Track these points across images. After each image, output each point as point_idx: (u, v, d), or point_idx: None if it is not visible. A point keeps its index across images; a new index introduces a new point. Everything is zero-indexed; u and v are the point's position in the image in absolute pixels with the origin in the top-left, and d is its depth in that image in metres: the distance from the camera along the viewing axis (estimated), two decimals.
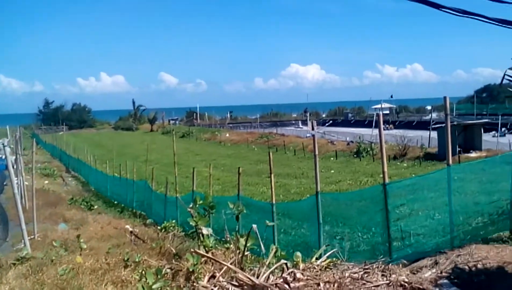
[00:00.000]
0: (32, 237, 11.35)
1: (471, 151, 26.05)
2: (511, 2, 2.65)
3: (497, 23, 2.69)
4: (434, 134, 29.86)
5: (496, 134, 33.70)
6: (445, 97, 7.23)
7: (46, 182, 27.56)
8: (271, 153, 9.97)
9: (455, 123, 27.59)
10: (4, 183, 24.74)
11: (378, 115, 8.46)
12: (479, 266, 5.45)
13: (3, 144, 10.12)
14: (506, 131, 35.06)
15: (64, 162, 41.49)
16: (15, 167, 15.39)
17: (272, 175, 9.68)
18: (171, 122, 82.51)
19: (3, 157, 13.97)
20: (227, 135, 54.48)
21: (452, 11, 2.73)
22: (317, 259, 4.69)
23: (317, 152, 8.58)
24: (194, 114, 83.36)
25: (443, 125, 7.84)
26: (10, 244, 11.68)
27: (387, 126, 48.40)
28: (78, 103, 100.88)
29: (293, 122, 72.23)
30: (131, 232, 10.37)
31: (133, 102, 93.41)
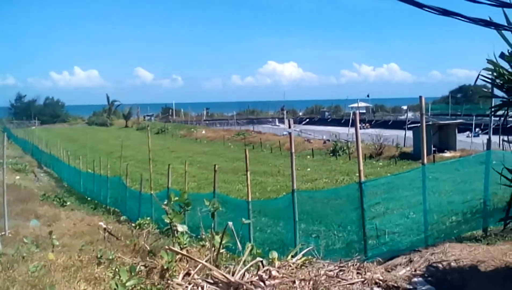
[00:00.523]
0: (3, 233, 11.11)
1: (446, 151, 26.67)
2: (488, 3, 2.66)
3: (475, 23, 2.71)
4: (409, 133, 30.47)
5: (470, 135, 34.67)
6: (420, 97, 7.35)
7: (18, 177, 26.79)
8: (247, 151, 9.93)
9: (430, 123, 28.20)
10: None
11: (354, 114, 8.52)
12: (453, 264, 5.56)
13: None
14: (480, 131, 36.09)
15: (36, 157, 40.53)
16: None
17: (248, 173, 9.63)
18: (147, 118, 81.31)
19: None
20: (203, 132, 54.10)
21: (433, 11, 2.73)
22: (292, 257, 4.67)
23: (293, 150, 8.59)
24: (170, 110, 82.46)
25: (419, 124, 7.98)
26: None
27: (364, 125, 49.17)
28: (51, 98, 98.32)
29: (270, 119, 72.46)
30: (104, 229, 10.13)
31: (107, 97, 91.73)
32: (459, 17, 2.71)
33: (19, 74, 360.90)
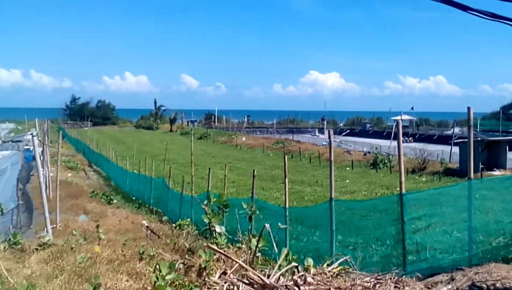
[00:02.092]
0: (54, 226, 11.79)
1: (495, 169, 25.28)
2: None
3: None
4: (455, 149, 29.19)
5: None
6: (468, 108, 7.04)
7: (70, 174, 28.37)
8: (286, 159, 9.98)
9: (478, 139, 26.87)
10: (31, 173, 25.57)
11: (397, 124, 8.35)
12: (498, 285, 5.31)
13: (32, 134, 10.46)
14: None
15: (87, 157, 42.56)
16: (41, 158, 15.91)
17: (287, 180, 9.67)
18: (190, 123, 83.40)
19: (31, 148, 14.40)
20: (244, 139, 54.67)
21: (481, 14, 2.62)
22: (328, 265, 4.67)
23: (333, 160, 8.55)
24: (212, 116, 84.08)
25: (466, 140, 7.67)
26: (34, 231, 12.12)
27: (407, 138, 47.59)
28: (103, 101, 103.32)
29: (310, 129, 71.90)
30: (147, 227, 10.54)
31: (155, 102, 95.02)
32: (509, 22, 2.59)
33: (75, 78, 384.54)
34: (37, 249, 7.76)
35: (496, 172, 24.11)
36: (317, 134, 64.11)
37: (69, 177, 26.36)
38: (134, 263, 6.59)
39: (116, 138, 63.34)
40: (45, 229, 10.22)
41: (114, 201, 20.56)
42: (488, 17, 2.64)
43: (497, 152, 26.74)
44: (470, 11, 2.66)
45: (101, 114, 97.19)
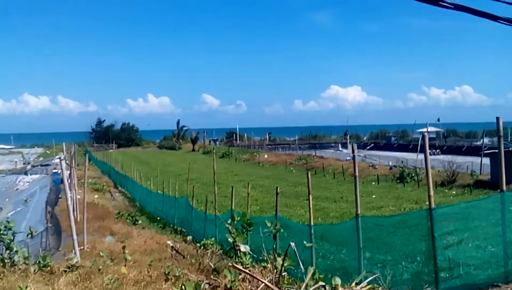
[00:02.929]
0: (82, 247, 11.98)
1: None
2: None
3: None
4: (486, 160, 28.28)
5: None
6: (497, 118, 6.87)
7: (96, 196, 28.96)
8: (309, 175, 9.86)
9: (510, 149, 25.93)
10: (59, 196, 26.28)
11: (423, 137, 8.18)
12: None
13: (59, 158, 10.76)
14: None
15: (112, 178, 43.47)
16: (69, 181, 16.32)
17: (311, 197, 9.54)
18: (212, 142, 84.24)
19: (59, 171, 14.84)
20: (266, 156, 54.65)
21: (509, 23, 2.57)
22: (357, 284, 4.53)
23: (357, 175, 8.39)
24: (234, 134, 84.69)
25: (497, 150, 7.42)
26: (62, 253, 12.35)
27: (434, 151, 46.48)
28: (127, 123, 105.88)
29: (333, 144, 71.32)
30: (172, 247, 10.55)
31: (178, 123, 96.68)
32: None
33: (100, 102, 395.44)
34: (65, 271, 7.86)
35: None
36: (340, 149, 63.51)
37: (96, 199, 26.90)
38: (160, 284, 6.58)
39: (140, 159, 64.50)
40: (73, 251, 10.38)
41: (139, 221, 20.78)
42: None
43: None
44: (500, 21, 2.60)
45: (125, 136, 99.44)
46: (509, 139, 43.68)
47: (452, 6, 2.70)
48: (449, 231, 7.47)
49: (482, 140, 41.54)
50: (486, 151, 31.42)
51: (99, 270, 7.78)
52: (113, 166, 46.76)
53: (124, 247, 8.66)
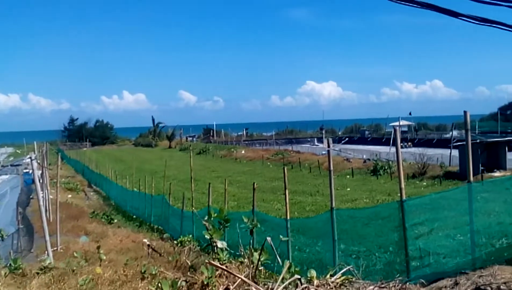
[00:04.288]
0: (55, 248, 11.77)
1: (495, 170, 25.25)
2: None
3: None
4: (455, 152, 29.23)
5: None
6: (465, 112, 7.10)
7: (70, 196, 28.34)
8: (286, 170, 9.98)
9: (477, 141, 26.89)
10: (31, 197, 25.53)
11: (395, 130, 8.38)
12: (503, 287, 5.27)
13: (30, 158, 10.47)
14: None
15: (86, 177, 42.58)
16: (41, 181, 15.90)
17: (287, 191, 9.66)
18: (189, 139, 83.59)
19: (30, 171, 14.44)
20: (243, 152, 54.66)
21: (471, 20, 2.69)
22: (331, 276, 4.64)
23: (332, 168, 8.55)
24: (211, 131, 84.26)
25: (465, 142, 7.70)
26: (35, 254, 12.06)
27: (406, 143, 47.59)
28: (101, 120, 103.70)
29: (309, 139, 71.93)
30: (148, 245, 10.48)
31: (153, 119, 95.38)
32: (499, 26, 2.65)
33: (73, 99, 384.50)
34: (38, 273, 7.70)
35: (497, 173, 24.09)
36: (316, 143, 64.17)
37: (69, 199, 26.30)
38: (136, 283, 6.54)
39: (115, 157, 63.32)
40: (46, 252, 10.16)
41: (115, 220, 20.49)
42: (478, 22, 2.71)
43: (497, 153, 26.77)
44: (461, 17, 2.73)
45: (99, 134, 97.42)
46: (476, 132, 45.29)
47: (419, 5, 2.80)
48: (420, 221, 7.73)
49: (451, 133, 42.86)
50: (455, 144, 32.46)
51: (73, 271, 7.66)
52: (87, 165, 45.79)
53: (98, 247, 8.55)
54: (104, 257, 8.38)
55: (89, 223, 17.96)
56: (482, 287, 5.47)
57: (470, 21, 2.73)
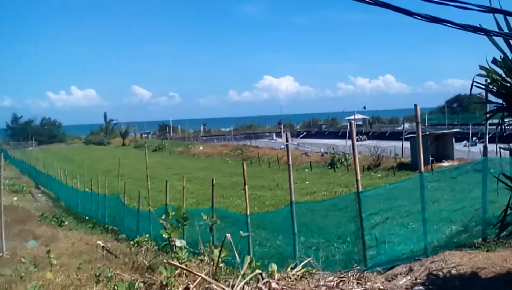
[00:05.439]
0: (1, 254, 11.11)
1: (444, 160, 26.60)
2: (477, 9, 2.71)
3: (465, 29, 2.76)
4: (407, 144, 30.53)
5: (468, 144, 34.56)
6: (415, 105, 7.39)
7: (15, 198, 26.78)
8: (245, 165, 9.94)
9: (427, 133, 28.22)
10: None
11: (350, 124, 8.55)
12: (453, 272, 5.54)
13: None
14: (477, 140, 35.95)
15: (33, 178, 40.50)
16: None
17: (247, 187, 9.63)
18: (144, 135, 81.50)
19: None
20: (201, 148, 54.09)
21: (423, 18, 2.77)
22: (292, 269, 4.64)
23: (291, 163, 8.60)
24: (167, 127, 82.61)
25: (415, 135, 8.01)
26: None
27: (361, 137, 49.23)
28: (48, 118, 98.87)
29: (267, 134, 72.46)
30: (103, 247, 10.06)
31: (105, 116, 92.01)
32: (448, 24, 2.75)
33: (16, 96, 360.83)
34: None
35: (445, 163, 25.36)
36: (274, 138, 64.76)
37: (15, 201, 24.78)
38: (91, 287, 6.23)
39: (65, 156, 60.54)
40: None
41: (66, 222, 19.59)
42: (429, 20, 2.81)
43: (445, 144, 28.23)
44: (415, 16, 2.82)
45: (46, 132, 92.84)
46: (426, 124, 47.70)
47: (372, 2, 2.85)
48: (376, 211, 7.97)
49: (403, 126, 44.78)
50: (407, 136, 33.94)
51: (21, 277, 7.27)
52: (34, 165, 43.43)
53: (48, 251, 8.14)
54: (55, 262, 7.99)
55: (38, 226, 17.03)
56: (435, 272, 5.72)
57: (421, 19, 2.84)
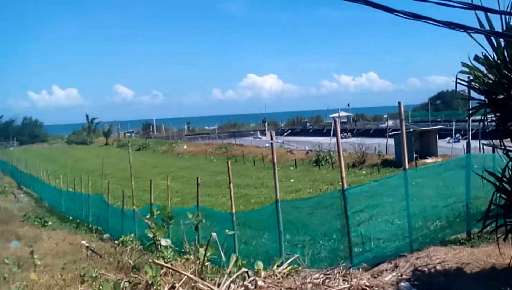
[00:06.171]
0: None
1: (427, 157, 26.98)
2: (458, 6, 2.73)
3: (446, 26, 2.78)
4: (391, 141, 30.85)
5: (451, 140, 35.12)
6: (399, 103, 7.45)
7: None
8: (230, 164, 9.90)
9: (411, 130, 28.57)
10: None
11: (335, 122, 8.59)
12: (438, 267, 5.61)
13: None
14: (460, 137, 36.56)
15: (15, 178, 39.87)
16: None
17: (232, 185, 9.59)
18: (127, 135, 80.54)
19: None
20: (185, 147, 53.66)
21: (404, 15, 2.80)
22: (278, 266, 4.63)
23: (275, 161, 8.59)
24: (151, 126, 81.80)
25: (399, 132, 8.09)
26: None
27: (345, 134, 49.61)
28: (29, 118, 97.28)
29: (252, 132, 72.34)
30: (87, 247, 9.90)
31: (87, 116, 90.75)
32: (429, 21, 2.77)
33: None
34: None
35: (429, 160, 25.73)
36: (259, 136, 64.73)
37: None
38: (75, 287, 6.15)
39: (47, 156, 59.45)
40: None
41: (49, 223, 19.29)
42: (410, 18, 2.84)
43: (428, 141, 28.64)
44: (395, 13, 2.84)
45: (28, 132, 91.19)
46: (410, 121, 48.32)
47: (356, 1, 2.87)
48: (361, 208, 8.01)
49: (387, 123, 45.35)
50: (391, 133, 34.36)
51: (5, 278, 7.18)
52: (15, 165, 42.60)
53: (32, 252, 8.00)
54: (39, 262, 7.88)
55: (21, 227, 16.74)
56: (420, 268, 5.78)
57: (403, 17, 2.87)
